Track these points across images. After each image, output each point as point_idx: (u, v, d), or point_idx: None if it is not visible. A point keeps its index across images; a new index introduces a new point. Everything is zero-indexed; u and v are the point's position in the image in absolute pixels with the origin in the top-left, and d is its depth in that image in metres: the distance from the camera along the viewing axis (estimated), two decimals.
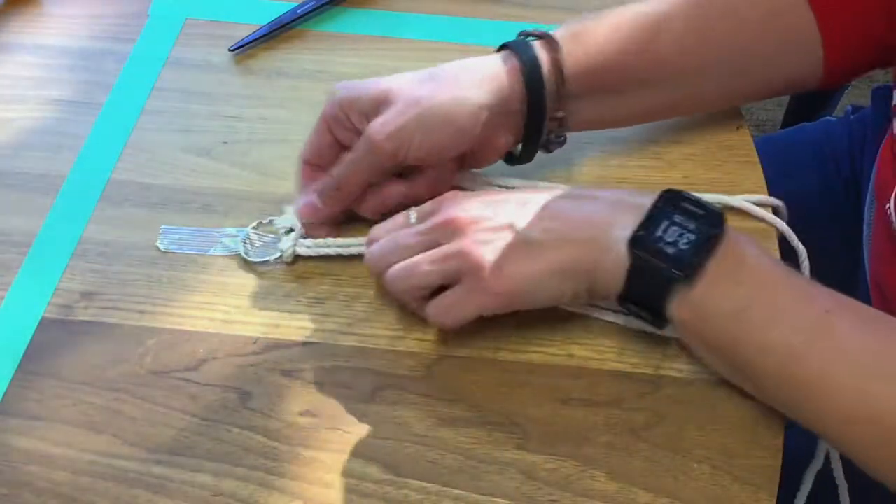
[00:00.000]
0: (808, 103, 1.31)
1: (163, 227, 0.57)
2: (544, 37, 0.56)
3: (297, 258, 0.56)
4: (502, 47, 0.56)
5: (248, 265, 0.56)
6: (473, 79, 0.54)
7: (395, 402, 0.50)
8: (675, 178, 0.61)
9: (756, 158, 0.62)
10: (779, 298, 0.46)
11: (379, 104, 0.53)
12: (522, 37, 0.56)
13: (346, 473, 0.48)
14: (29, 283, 0.54)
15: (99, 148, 0.62)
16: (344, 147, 0.55)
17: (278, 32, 0.69)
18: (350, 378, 0.51)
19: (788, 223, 0.57)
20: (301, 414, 0.50)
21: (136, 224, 0.57)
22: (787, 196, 0.59)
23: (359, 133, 0.53)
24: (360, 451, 0.48)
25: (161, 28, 0.70)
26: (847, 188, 0.74)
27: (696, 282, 0.46)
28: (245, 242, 0.56)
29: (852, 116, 0.77)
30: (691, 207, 0.47)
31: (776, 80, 0.60)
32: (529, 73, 0.54)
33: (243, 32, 0.69)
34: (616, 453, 0.48)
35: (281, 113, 0.64)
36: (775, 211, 0.59)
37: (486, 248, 0.48)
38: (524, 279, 0.48)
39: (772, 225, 0.57)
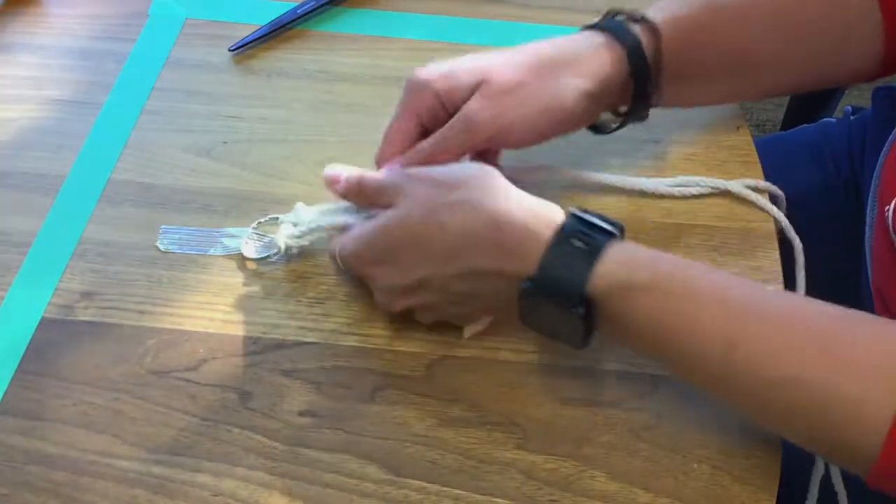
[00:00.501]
0: (807, 104, 1.31)
1: (163, 227, 0.57)
2: (642, 21, 0.55)
3: (297, 254, 0.56)
4: (595, 28, 0.55)
5: (248, 265, 0.56)
6: (575, 64, 0.53)
7: (395, 402, 0.50)
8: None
9: (756, 158, 0.62)
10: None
11: (476, 87, 0.52)
12: (611, 16, 0.56)
13: (346, 473, 0.48)
14: (29, 283, 0.54)
15: (99, 148, 0.62)
16: (427, 133, 0.54)
17: (278, 32, 0.69)
18: (350, 378, 0.51)
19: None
20: (301, 414, 0.50)
21: (136, 224, 0.57)
22: (787, 197, 0.59)
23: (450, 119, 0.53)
24: (360, 451, 0.48)
25: (161, 28, 0.70)
26: (847, 189, 0.74)
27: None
28: (246, 242, 0.56)
29: (852, 118, 0.77)
30: (557, 293, 0.46)
31: (841, 63, 0.59)
32: (636, 62, 0.54)
33: (243, 32, 0.69)
34: (616, 453, 0.48)
35: (281, 113, 0.64)
36: (774, 199, 0.59)
37: (438, 312, 0.51)
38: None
39: (764, 210, 0.57)
